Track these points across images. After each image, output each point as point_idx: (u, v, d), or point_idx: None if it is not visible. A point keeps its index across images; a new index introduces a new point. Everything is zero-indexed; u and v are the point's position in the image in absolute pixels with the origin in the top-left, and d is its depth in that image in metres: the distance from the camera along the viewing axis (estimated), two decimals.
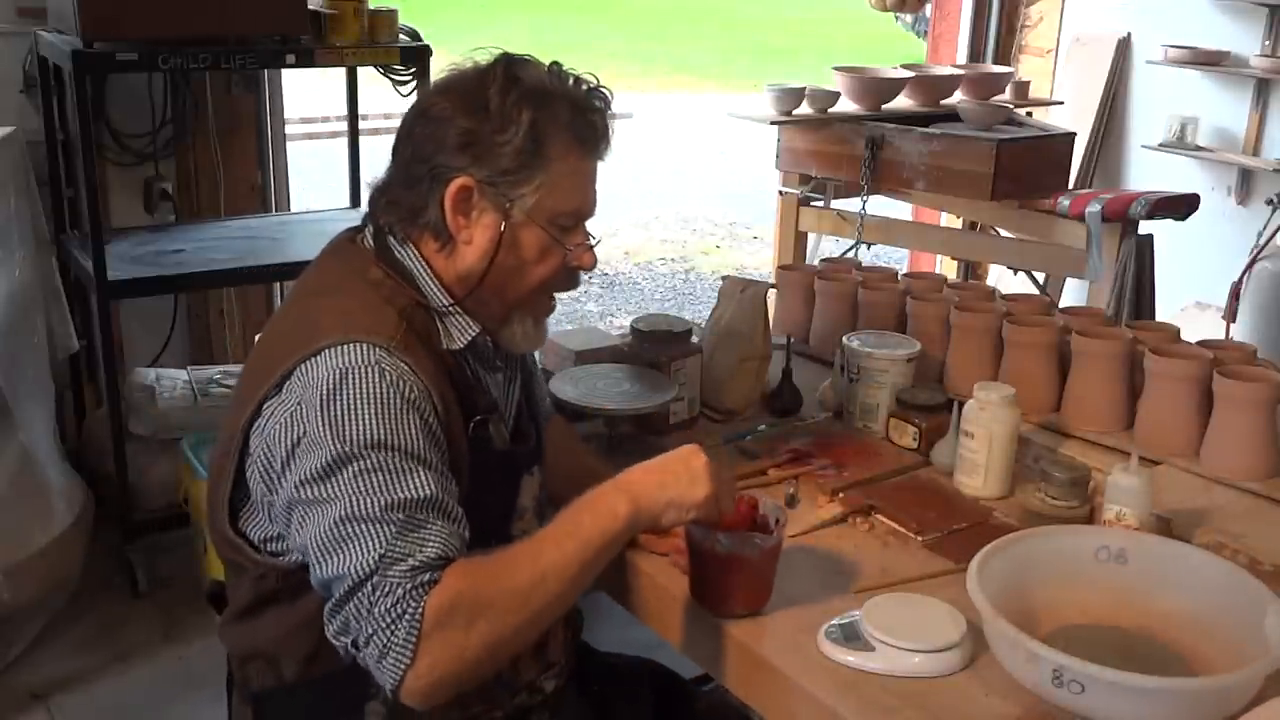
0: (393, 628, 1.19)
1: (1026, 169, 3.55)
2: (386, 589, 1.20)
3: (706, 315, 2.18)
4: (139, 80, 3.36)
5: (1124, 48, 4.71)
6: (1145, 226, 3.53)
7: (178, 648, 2.86)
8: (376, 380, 1.29)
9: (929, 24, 5.56)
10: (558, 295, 1.52)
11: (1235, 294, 3.98)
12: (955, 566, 1.52)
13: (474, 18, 16.45)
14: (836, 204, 4.00)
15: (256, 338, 1.63)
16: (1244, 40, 4.30)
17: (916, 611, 1.39)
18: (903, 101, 3.95)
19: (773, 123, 3.76)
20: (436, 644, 1.19)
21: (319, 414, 1.27)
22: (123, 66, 2.84)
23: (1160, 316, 3.55)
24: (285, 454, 1.29)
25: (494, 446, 1.45)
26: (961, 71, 4.14)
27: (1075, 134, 3.89)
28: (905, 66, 4.12)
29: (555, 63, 1.43)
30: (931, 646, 1.33)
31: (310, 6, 3.05)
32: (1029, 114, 4.15)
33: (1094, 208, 3.45)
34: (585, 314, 5.97)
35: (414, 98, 3.17)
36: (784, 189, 4.07)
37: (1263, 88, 4.29)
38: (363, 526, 1.23)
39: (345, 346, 1.31)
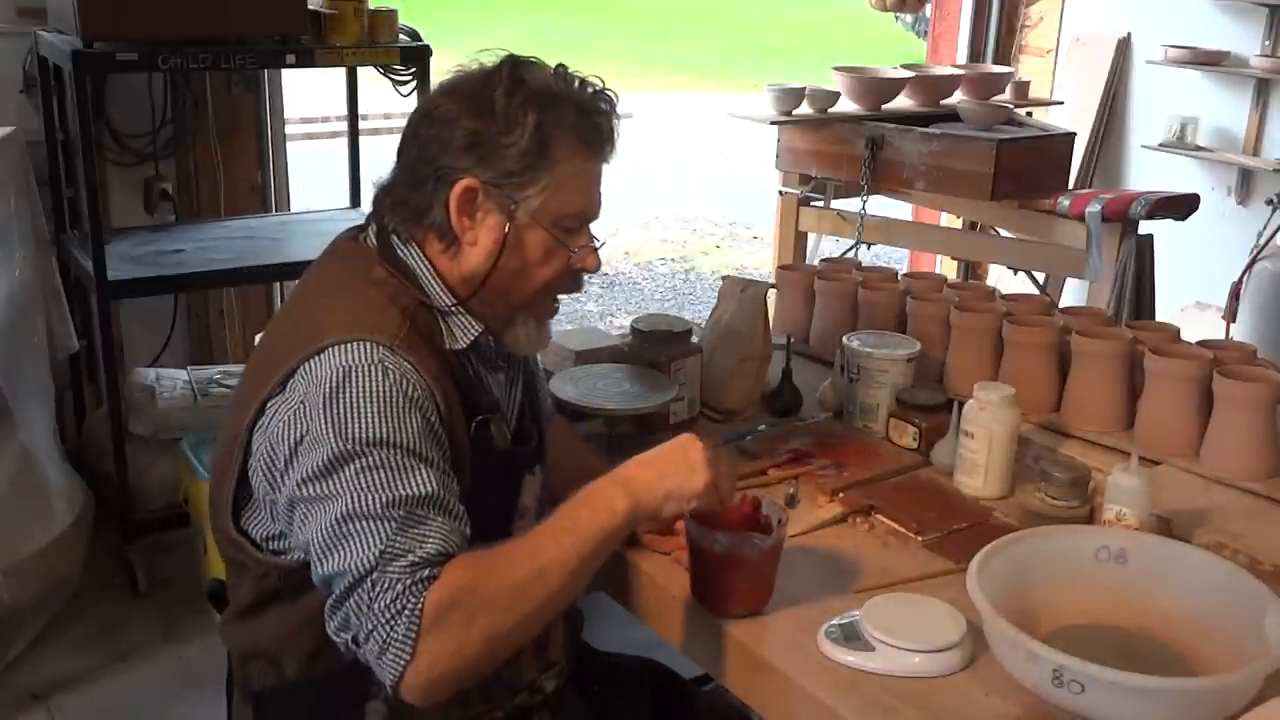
0: (392, 623, 1.19)
1: (1026, 169, 3.55)
2: (386, 585, 1.20)
3: (706, 315, 2.18)
4: (139, 80, 3.36)
5: (1124, 48, 4.71)
6: (1145, 226, 3.53)
7: (178, 648, 2.87)
8: (380, 379, 1.29)
9: (929, 24, 5.56)
10: (560, 297, 1.52)
11: (1235, 294, 3.98)
12: (955, 566, 1.52)
13: (474, 18, 16.45)
14: (836, 204, 4.00)
15: (258, 337, 1.63)
16: (1244, 40, 4.30)
17: (916, 611, 1.39)
18: (903, 101, 3.95)
19: (773, 123, 3.76)
20: (436, 639, 1.19)
21: (322, 412, 1.28)
22: (123, 66, 2.84)
23: (1160, 316, 3.55)
24: (288, 452, 1.30)
25: (495, 446, 1.45)
26: (961, 71, 4.14)
27: (1075, 134, 3.89)
28: (905, 66, 4.13)
29: (561, 65, 1.44)
30: (931, 646, 1.33)
31: (310, 6, 3.05)
32: (1029, 114, 4.15)
33: (1094, 208, 3.45)
34: (585, 314, 5.97)
35: (414, 98, 3.21)
36: (784, 189, 4.07)
37: (1263, 88, 4.29)
38: (363, 524, 1.23)
39: (349, 345, 1.31)
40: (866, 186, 3.67)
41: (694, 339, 2.02)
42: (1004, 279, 4.44)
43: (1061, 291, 4.38)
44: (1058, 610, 1.39)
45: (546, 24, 17.22)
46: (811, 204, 4.04)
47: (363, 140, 3.83)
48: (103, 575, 3.06)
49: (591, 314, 6.03)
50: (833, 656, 1.35)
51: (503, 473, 1.48)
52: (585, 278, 1.50)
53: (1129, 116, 4.75)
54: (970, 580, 1.31)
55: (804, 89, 3.73)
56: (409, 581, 1.20)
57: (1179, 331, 2.07)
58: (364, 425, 1.27)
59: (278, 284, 3.69)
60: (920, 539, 1.62)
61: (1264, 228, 4.10)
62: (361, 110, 3.81)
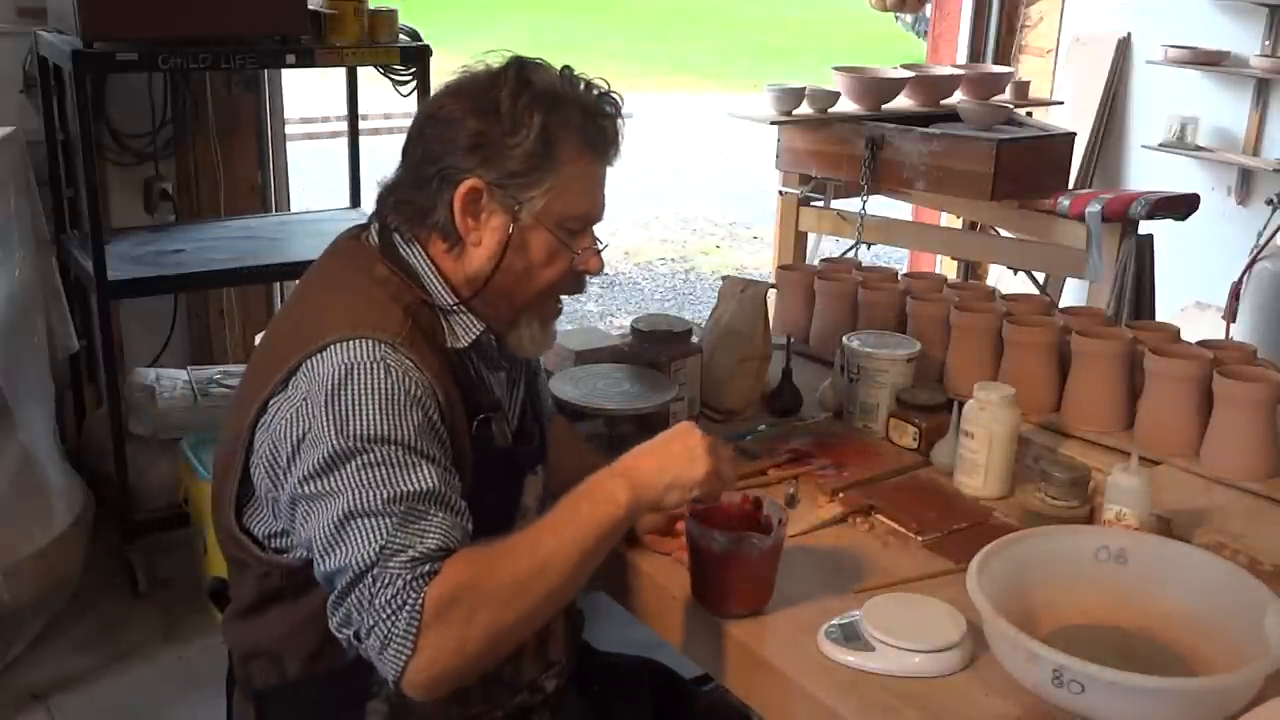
0: (393, 619, 1.19)
1: (1026, 169, 3.55)
2: (387, 580, 1.20)
3: (706, 315, 2.19)
4: (139, 80, 3.36)
5: (1124, 48, 4.71)
6: (1145, 226, 3.53)
7: (178, 648, 2.87)
8: (381, 376, 1.29)
9: (929, 24, 5.56)
10: (562, 298, 1.52)
11: (1235, 294, 3.98)
12: (955, 566, 1.52)
13: (474, 18, 16.45)
14: (836, 204, 4.00)
15: (258, 337, 1.64)
16: (1244, 40, 4.30)
17: (916, 611, 1.39)
18: (903, 101, 3.95)
19: (773, 123, 3.76)
20: (437, 635, 1.19)
21: (323, 409, 1.28)
22: (123, 66, 2.84)
23: (1160, 316, 3.55)
24: (290, 449, 1.30)
25: (497, 445, 1.45)
26: (961, 71, 4.14)
27: (1075, 134, 3.90)
28: (905, 66, 4.13)
29: (567, 67, 1.44)
30: (931, 646, 1.33)
31: (310, 6, 3.05)
32: (1029, 114, 4.15)
33: (1094, 208, 3.45)
34: (585, 314, 5.97)
35: (414, 98, 3.21)
36: (784, 189, 4.08)
37: (1263, 88, 4.29)
38: (364, 520, 1.23)
39: (351, 342, 1.31)
40: (866, 186, 3.67)
41: (694, 339, 2.02)
42: (1004, 279, 4.44)
43: (1061, 291, 4.38)
44: (1058, 610, 1.39)
45: (546, 24, 17.23)
46: (811, 204, 4.04)
47: (363, 140, 3.84)
48: (103, 575, 3.06)
49: (591, 314, 6.03)
50: (833, 656, 1.35)
51: (504, 472, 1.48)
52: (587, 279, 1.50)
53: (1129, 116, 4.75)
54: (970, 580, 1.31)
55: (804, 89, 3.73)
56: (409, 577, 1.20)
57: (1179, 331, 2.07)
58: (365, 422, 1.27)
59: (278, 284, 3.69)
60: (920, 539, 1.62)
61: (1264, 228, 4.10)
62: (361, 110, 3.81)
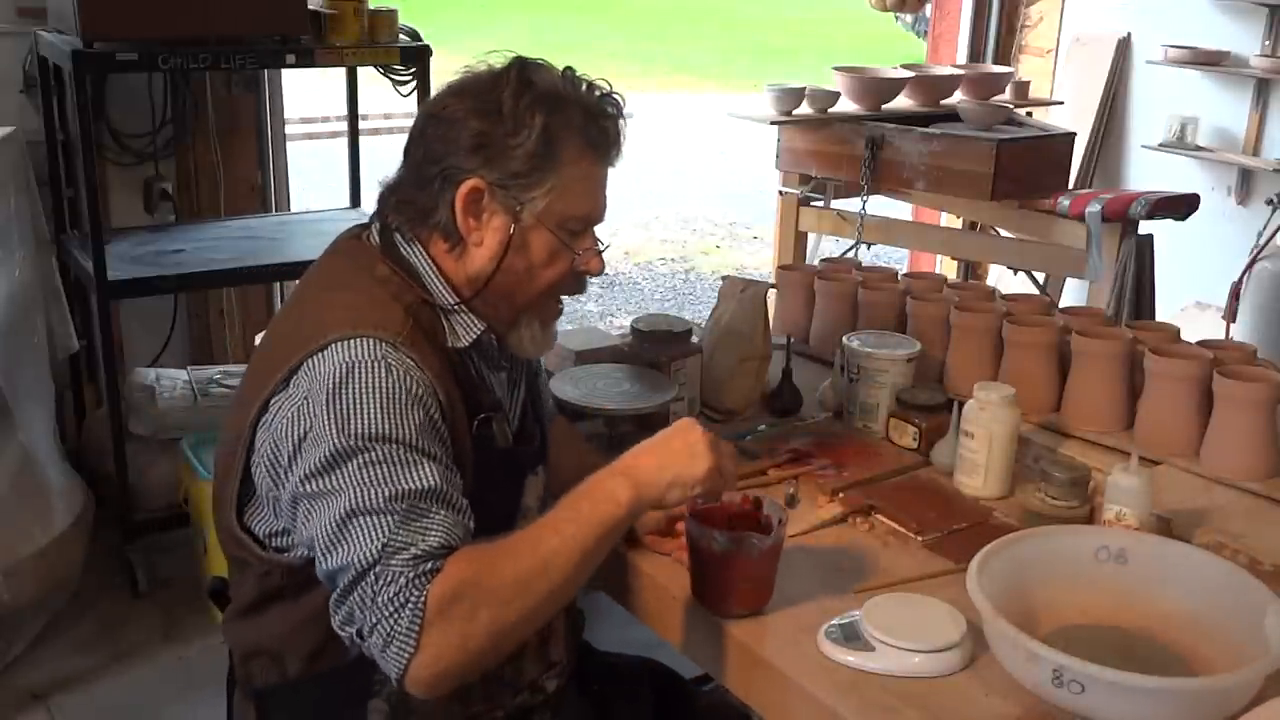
0: (396, 616, 1.19)
1: (1026, 169, 3.55)
2: (389, 578, 1.20)
3: (706, 315, 2.19)
4: (139, 80, 3.36)
5: (1124, 48, 4.71)
6: (1145, 226, 3.53)
7: (178, 648, 2.87)
8: (383, 375, 1.30)
9: (929, 24, 5.56)
10: (563, 298, 1.52)
11: (1235, 294, 3.98)
12: (955, 566, 1.52)
13: (474, 18, 16.45)
14: (836, 204, 4.00)
15: (258, 337, 1.64)
16: (1244, 40, 4.30)
17: (916, 611, 1.39)
18: (903, 101, 3.95)
19: (773, 123, 3.76)
20: (440, 632, 1.19)
21: (325, 408, 1.28)
22: (123, 66, 2.84)
23: (1160, 316, 3.55)
24: (292, 448, 1.30)
25: (497, 445, 1.45)
26: (961, 71, 4.14)
27: (1075, 134, 3.90)
28: (905, 66, 4.13)
29: (569, 68, 1.44)
30: (931, 646, 1.33)
31: (310, 6, 3.05)
32: (1029, 114, 4.15)
33: (1094, 208, 3.45)
34: (585, 314, 5.97)
35: (414, 98, 3.21)
36: (784, 189, 4.08)
37: (1263, 88, 4.29)
38: (366, 518, 1.23)
39: (352, 341, 1.31)
40: (866, 186, 3.67)
41: (694, 339, 2.02)
42: (1004, 279, 4.44)
43: (1061, 291, 4.38)
44: (1058, 610, 1.39)
45: (546, 24, 17.23)
46: (811, 204, 4.04)
47: (363, 140, 3.84)
48: (103, 575, 3.06)
49: (591, 314, 6.03)
50: (833, 656, 1.35)
51: (505, 472, 1.48)
52: (588, 279, 1.50)
53: (1129, 116, 4.75)
54: (970, 580, 1.31)
55: (804, 89, 3.73)
56: (412, 575, 1.20)
57: (1179, 331, 2.07)
58: (366, 421, 1.27)
59: (278, 284, 3.69)
60: (920, 539, 1.62)
61: (1264, 228, 4.10)
62: (361, 110, 3.81)
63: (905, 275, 2.36)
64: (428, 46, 3.22)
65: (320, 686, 1.42)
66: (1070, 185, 3.82)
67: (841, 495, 1.72)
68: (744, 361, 2.02)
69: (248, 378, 1.45)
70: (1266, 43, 4.25)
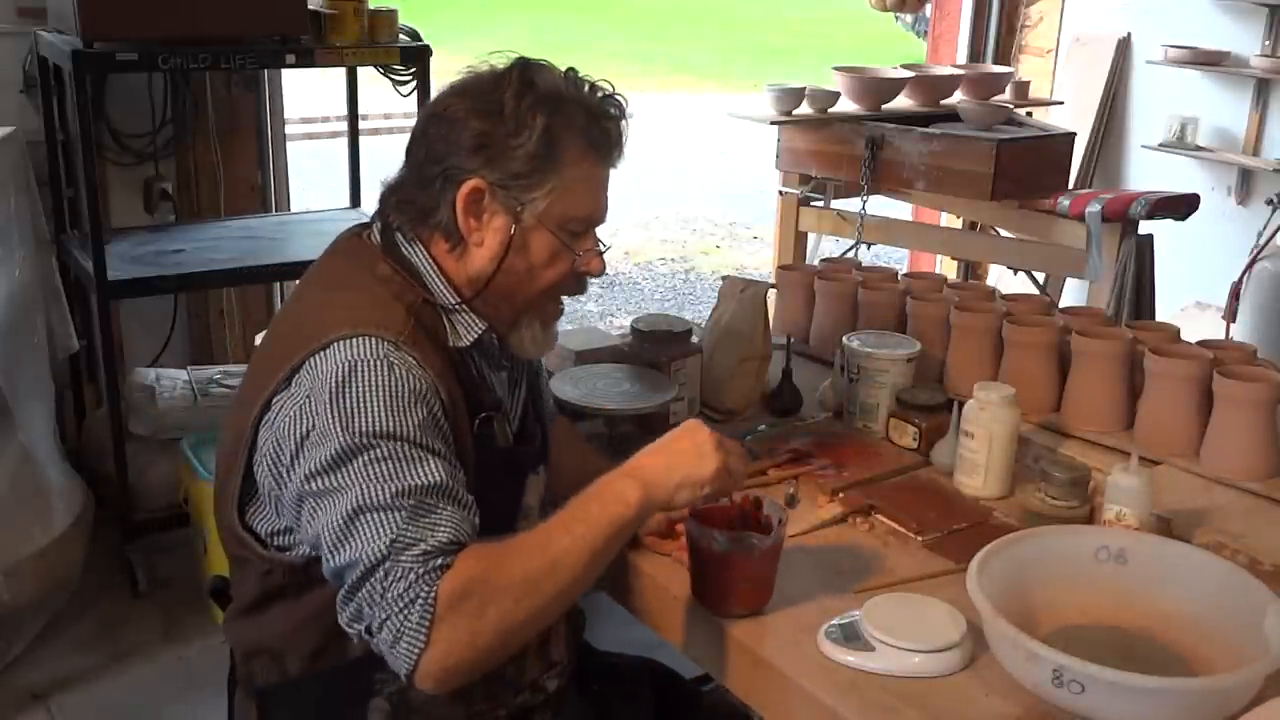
0: (406, 612, 1.19)
1: (1026, 169, 3.55)
2: (399, 574, 1.20)
3: (706, 315, 2.19)
4: (139, 80, 3.36)
5: (1124, 48, 4.71)
6: (1145, 226, 3.54)
7: (178, 648, 2.87)
8: (385, 373, 1.30)
9: (929, 24, 5.56)
10: (563, 299, 1.52)
11: (1235, 294, 3.98)
12: (955, 566, 1.52)
13: (474, 17, 16.45)
14: (836, 204, 4.00)
15: (258, 337, 1.64)
16: (1244, 40, 4.30)
17: (916, 611, 1.39)
18: (903, 101, 3.95)
19: (773, 123, 3.76)
20: (450, 627, 1.19)
21: (328, 406, 1.28)
22: (123, 66, 2.84)
23: (1160, 316, 3.55)
24: (295, 447, 1.30)
25: (498, 444, 1.46)
26: (961, 71, 4.14)
27: (1075, 134, 3.90)
28: (905, 66, 4.13)
29: (571, 69, 1.44)
30: (931, 646, 1.33)
31: (310, 6, 3.05)
32: (1029, 114, 4.15)
33: (1094, 208, 3.45)
34: (585, 314, 5.97)
35: (414, 98, 3.21)
36: (784, 189, 4.08)
37: (1263, 88, 4.29)
38: (374, 515, 1.23)
39: (354, 340, 1.31)
40: (866, 186, 3.67)
41: (694, 339, 2.02)
42: (1004, 279, 4.44)
43: (1061, 291, 4.39)
44: (1058, 610, 1.39)
45: (546, 24, 17.23)
46: (811, 204, 4.04)
47: (363, 140, 3.84)
48: (103, 575, 3.06)
49: (591, 314, 6.03)
50: (833, 656, 1.35)
51: (506, 471, 1.48)
52: (589, 280, 1.50)
53: (1129, 116, 4.75)
54: (970, 580, 1.31)
55: (804, 89, 3.73)
56: (421, 570, 1.20)
57: (1179, 331, 2.07)
58: (370, 418, 1.27)
59: (278, 284, 3.69)
60: (920, 539, 1.62)
61: (1264, 228, 4.10)
62: (361, 110, 3.81)
63: (905, 275, 2.36)
64: (428, 46, 3.22)
65: (322, 685, 1.42)
66: (1070, 185, 3.82)
67: (841, 495, 1.72)
68: (744, 361, 2.02)
69: (249, 377, 1.45)
70: (1266, 43, 4.25)
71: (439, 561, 1.21)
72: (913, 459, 1.87)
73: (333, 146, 7.49)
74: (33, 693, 2.68)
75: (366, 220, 1.51)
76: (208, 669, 2.68)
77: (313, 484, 1.27)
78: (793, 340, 2.10)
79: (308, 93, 7.29)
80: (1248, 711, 1.16)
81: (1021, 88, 4.27)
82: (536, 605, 1.24)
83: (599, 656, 1.74)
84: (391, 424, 1.27)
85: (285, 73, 3.55)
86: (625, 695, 1.68)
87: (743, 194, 8.55)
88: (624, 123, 1.45)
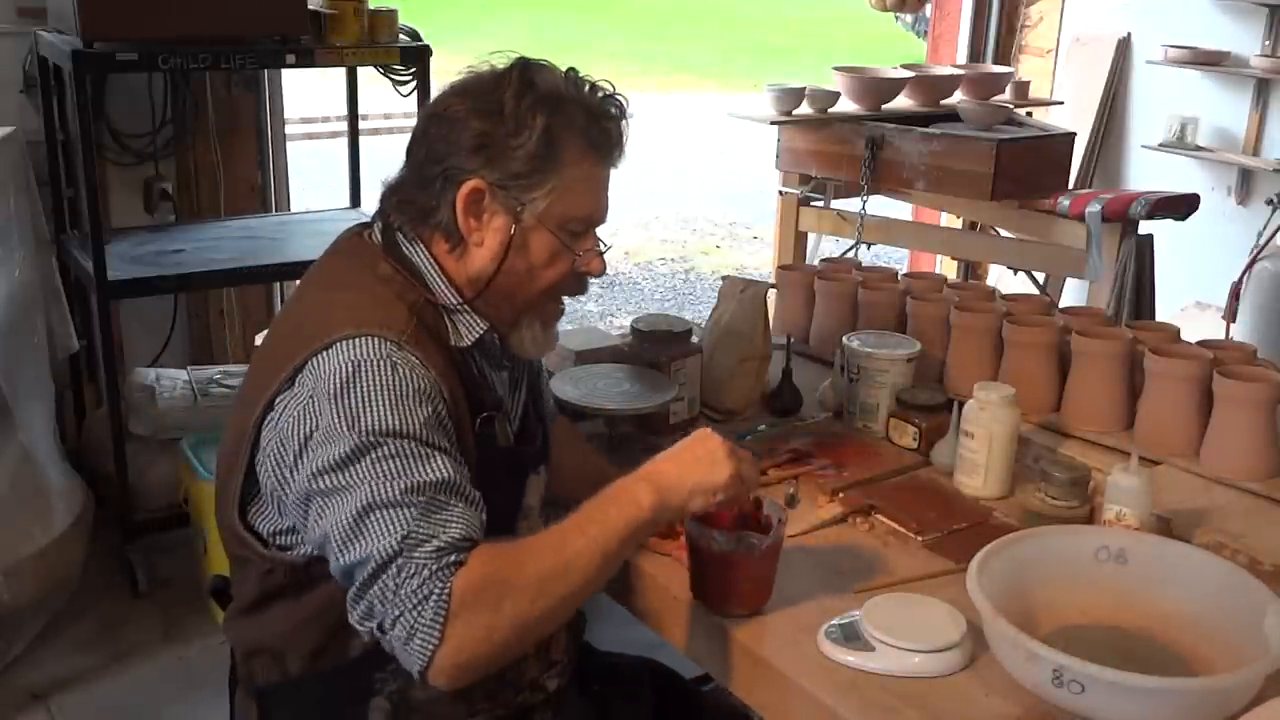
0: (420, 608, 1.19)
1: (1026, 169, 3.55)
2: (412, 570, 1.20)
3: (706, 315, 2.19)
4: (139, 80, 3.36)
5: (1124, 48, 4.71)
6: (1145, 226, 3.54)
7: (178, 648, 2.87)
8: (389, 372, 1.30)
9: (929, 24, 5.56)
10: (564, 299, 1.52)
11: (1235, 294, 3.98)
12: (955, 566, 1.52)
13: (474, 16, 16.45)
14: (836, 204, 4.00)
15: (259, 337, 1.64)
16: (1244, 40, 4.30)
17: (916, 611, 1.39)
18: (903, 101, 3.95)
19: (773, 123, 3.76)
20: (464, 624, 1.19)
21: (333, 406, 1.28)
22: (123, 66, 2.84)
23: (1160, 316, 3.55)
24: (298, 446, 1.30)
25: (499, 444, 1.46)
26: (961, 71, 4.14)
27: (1075, 134, 3.90)
28: (905, 66, 4.13)
29: (572, 69, 1.44)
30: (931, 646, 1.33)
31: (310, 6, 3.05)
32: (1029, 114, 4.16)
33: (1094, 208, 3.46)
34: (585, 314, 5.97)
35: (414, 98, 3.21)
36: (784, 189, 4.08)
37: (1263, 88, 4.29)
38: (384, 512, 1.23)
39: (357, 340, 1.32)
40: (866, 186, 3.67)
41: (694, 339, 2.02)
42: (1004, 279, 4.44)
43: (1061, 291, 4.39)
44: (1058, 610, 1.39)
45: (546, 23, 17.23)
46: (811, 204, 4.04)
47: (363, 140, 3.84)
48: (103, 575, 3.06)
49: (591, 314, 6.03)
50: (833, 656, 1.35)
51: (507, 471, 1.48)
52: (589, 280, 1.50)
53: (1129, 116, 4.75)
54: (970, 580, 1.31)
55: (804, 89, 3.73)
56: (435, 567, 1.20)
57: (1179, 331, 2.07)
58: (376, 416, 1.27)
59: (278, 284, 3.69)
60: (920, 539, 1.63)
61: (1264, 228, 4.10)
62: (361, 110, 3.81)
63: (905, 275, 2.36)
64: (428, 46, 3.22)
65: (322, 685, 1.42)
66: (1070, 185, 3.82)
67: (841, 495, 1.72)
68: (744, 361, 2.02)
69: (250, 377, 1.45)
70: (1266, 43, 4.25)
71: (452, 558, 1.21)
72: (913, 459, 1.87)
73: (333, 146, 7.49)
74: (33, 693, 2.68)
75: (367, 220, 1.51)
76: (208, 669, 2.68)
77: (320, 482, 1.27)
78: (793, 340, 2.10)
79: (308, 93, 7.29)
80: (1248, 711, 1.16)
81: (1021, 88, 4.27)
82: (550, 604, 1.24)
83: (599, 656, 1.74)
84: (398, 421, 1.27)
85: (285, 73, 3.55)
86: (625, 695, 1.68)
87: (743, 194, 8.55)
88: (624, 123, 1.45)
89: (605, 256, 1.49)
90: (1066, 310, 2.19)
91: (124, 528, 3.05)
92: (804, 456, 1.86)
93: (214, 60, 2.90)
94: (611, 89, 1.45)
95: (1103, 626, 1.39)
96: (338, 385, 1.29)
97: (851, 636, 1.35)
